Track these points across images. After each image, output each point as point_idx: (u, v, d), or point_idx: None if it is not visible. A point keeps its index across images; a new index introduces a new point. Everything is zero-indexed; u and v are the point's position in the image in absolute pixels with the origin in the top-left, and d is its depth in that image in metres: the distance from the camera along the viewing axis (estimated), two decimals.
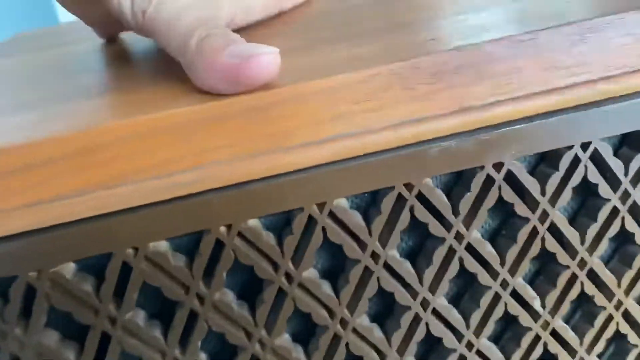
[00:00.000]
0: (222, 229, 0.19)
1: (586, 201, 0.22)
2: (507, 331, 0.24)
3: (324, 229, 0.20)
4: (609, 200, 0.22)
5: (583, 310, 0.25)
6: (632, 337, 0.25)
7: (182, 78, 0.19)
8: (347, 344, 0.22)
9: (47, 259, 0.18)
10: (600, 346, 0.25)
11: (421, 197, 0.20)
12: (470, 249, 0.21)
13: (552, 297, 0.23)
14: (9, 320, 0.19)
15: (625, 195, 0.22)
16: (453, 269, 0.21)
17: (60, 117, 0.19)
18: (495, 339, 0.24)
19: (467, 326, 0.23)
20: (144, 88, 0.20)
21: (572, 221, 0.22)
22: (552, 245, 0.22)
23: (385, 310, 0.23)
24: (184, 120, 0.17)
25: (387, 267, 0.21)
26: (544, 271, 0.23)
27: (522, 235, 0.21)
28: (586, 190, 0.22)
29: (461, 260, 0.21)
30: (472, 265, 0.21)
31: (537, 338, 0.24)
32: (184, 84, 0.19)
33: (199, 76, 0.18)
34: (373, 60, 0.18)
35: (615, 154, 0.21)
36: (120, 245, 0.18)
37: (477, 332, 0.23)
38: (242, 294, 0.21)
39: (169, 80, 0.21)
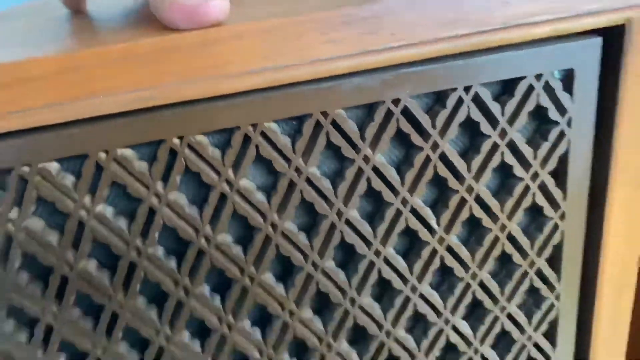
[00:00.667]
0: (175, 140, 0.24)
1: (473, 138, 0.28)
2: (411, 246, 0.30)
3: (257, 146, 0.25)
4: (489, 136, 0.27)
5: (474, 232, 0.30)
6: (516, 257, 0.31)
7: (148, 24, 0.25)
8: (277, 246, 0.27)
9: (36, 155, 0.23)
10: (490, 264, 0.30)
11: (336, 125, 0.25)
12: (376, 171, 0.27)
13: (446, 217, 0.29)
14: (4, 207, 0.24)
15: (503, 132, 0.27)
16: (362, 186, 0.27)
17: (42, 47, 0.24)
18: (402, 252, 0.30)
19: (375, 236, 0.28)
20: (115, 34, 0.26)
21: (464, 155, 0.28)
22: (443, 171, 0.27)
23: (309, 220, 0.28)
24: (144, 50, 0.22)
25: (309, 181, 0.26)
26: (440, 195, 0.29)
27: (418, 161, 0.27)
28: (472, 128, 0.27)
29: (369, 179, 0.27)
30: (377, 184, 0.27)
31: (435, 252, 0.29)
32: (148, 27, 0.24)
33: (163, 15, 0.23)
34: (297, 12, 0.24)
35: (497, 99, 0.27)
36: (94, 148, 0.24)
37: (383, 242, 0.28)
38: (192, 199, 0.27)
39: (136, 27, 0.26)
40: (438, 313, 0.31)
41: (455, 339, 0.32)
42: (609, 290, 0.32)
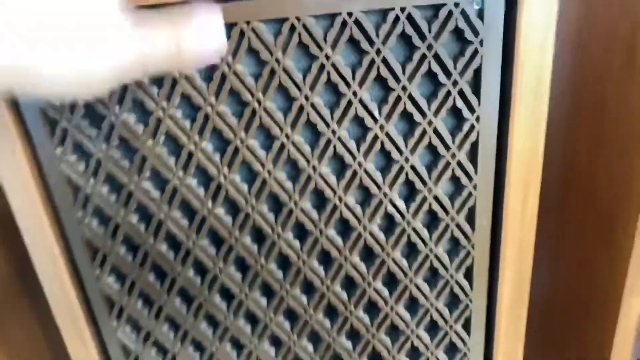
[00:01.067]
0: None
1: (407, 49, 0.38)
2: (359, 130, 0.40)
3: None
4: (419, 48, 0.37)
5: (408, 124, 0.40)
6: (441, 149, 0.41)
7: None
8: (260, 117, 0.38)
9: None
10: (419, 151, 0.40)
11: (306, 28, 0.36)
12: (335, 67, 0.37)
13: (385, 109, 0.39)
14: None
15: (430, 46, 0.37)
16: (323, 78, 0.37)
17: None
18: (352, 135, 0.40)
19: (332, 119, 0.38)
20: None
21: (401, 62, 0.38)
22: (385, 72, 0.37)
23: (286, 103, 0.39)
24: None
25: (285, 71, 0.37)
26: (382, 93, 0.39)
27: (365, 62, 0.37)
28: (407, 41, 0.37)
29: (329, 73, 0.37)
30: (335, 78, 0.37)
31: (376, 137, 0.39)
32: None
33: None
34: None
35: (427, 20, 0.36)
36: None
37: (339, 124, 0.39)
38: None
39: None
40: (379, 188, 0.41)
41: (391, 210, 0.42)
42: (516, 179, 0.41)
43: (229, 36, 0.36)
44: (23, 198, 0.40)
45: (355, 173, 0.41)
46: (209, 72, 0.37)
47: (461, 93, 0.39)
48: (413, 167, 0.41)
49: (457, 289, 0.46)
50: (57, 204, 0.41)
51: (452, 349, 0.50)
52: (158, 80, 0.37)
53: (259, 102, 0.38)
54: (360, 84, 0.38)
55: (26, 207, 0.40)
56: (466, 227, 0.44)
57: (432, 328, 0.49)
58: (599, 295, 0.55)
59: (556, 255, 0.63)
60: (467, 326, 0.48)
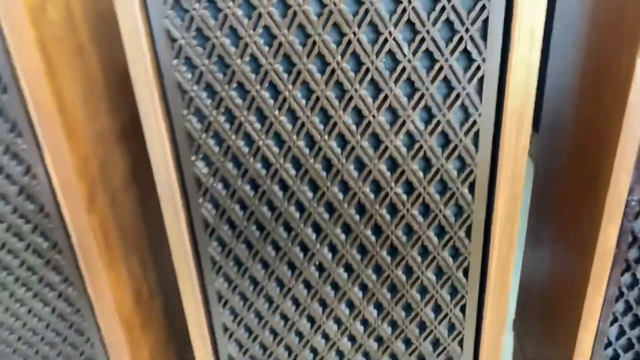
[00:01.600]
0: None
1: (434, 3, 0.50)
2: (392, 65, 0.53)
3: None
4: (440, 0, 0.49)
5: (430, 62, 0.52)
6: (454, 82, 0.53)
7: None
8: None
9: None
10: (436, 83, 0.53)
11: None
12: (377, 13, 0.50)
13: (412, 47, 0.51)
14: None
15: (449, 0, 0.49)
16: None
17: None
18: (388, 68, 0.53)
19: (372, 51, 0.52)
20: None
21: (429, 13, 0.50)
22: (414, 19, 0.50)
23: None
24: None
25: None
26: (411, 35, 0.51)
27: (398, 10, 0.49)
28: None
29: (372, 16, 0.50)
30: (376, 20, 0.50)
31: (404, 69, 0.52)
32: None
33: None
34: None
35: None
36: None
37: (377, 56, 0.52)
38: None
39: None
40: (404, 110, 0.54)
41: (412, 129, 0.55)
42: (512, 110, 0.53)
43: None
44: (147, 99, 0.56)
45: (386, 96, 0.54)
46: (284, 10, 0.51)
47: (472, 38, 0.51)
48: (432, 95, 0.53)
49: (461, 201, 0.59)
50: (170, 104, 0.57)
51: (456, 253, 0.62)
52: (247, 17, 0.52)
53: (319, 35, 0.51)
54: (395, 26, 0.50)
55: (148, 106, 0.56)
56: (471, 149, 0.56)
57: (440, 232, 0.61)
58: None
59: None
60: (468, 232, 0.61)
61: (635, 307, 0.67)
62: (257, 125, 0.57)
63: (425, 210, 0.60)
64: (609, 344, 0.70)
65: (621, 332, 0.69)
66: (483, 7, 0.49)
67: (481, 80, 0.52)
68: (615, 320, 0.68)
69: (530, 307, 0.97)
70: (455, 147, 0.56)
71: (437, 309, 0.66)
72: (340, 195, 0.60)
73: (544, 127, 0.90)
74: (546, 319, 0.86)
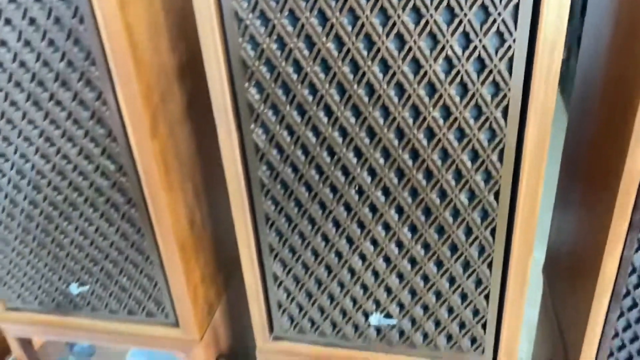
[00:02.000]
0: None
1: None
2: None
3: None
4: None
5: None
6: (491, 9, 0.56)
7: None
8: None
9: None
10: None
11: None
12: None
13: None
14: None
15: None
16: None
17: None
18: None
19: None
20: None
21: None
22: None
23: None
24: None
25: None
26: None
27: None
28: None
29: None
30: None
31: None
32: None
33: None
34: None
35: None
36: None
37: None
38: None
39: None
40: (443, 36, 0.58)
41: (451, 54, 0.59)
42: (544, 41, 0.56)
43: None
44: (208, 30, 0.62)
45: (427, 22, 0.58)
46: None
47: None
48: (469, 21, 0.57)
49: (494, 125, 0.63)
50: (227, 31, 0.63)
51: (488, 177, 0.67)
52: None
53: None
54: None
55: (208, 36, 0.62)
56: (505, 74, 0.60)
57: (474, 157, 0.66)
58: None
59: None
60: (501, 156, 0.65)
61: None
62: (306, 52, 0.62)
63: (461, 134, 0.64)
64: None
65: None
66: None
67: (516, 6, 0.56)
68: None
69: (558, 261, 1.00)
70: (490, 72, 0.60)
71: (469, 232, 0.71)
72: (381, 120, 0.65)
73: (577, 89, 0.92)
74: (571, 276, 0.89)
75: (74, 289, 0.92)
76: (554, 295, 1.01)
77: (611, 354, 0.79)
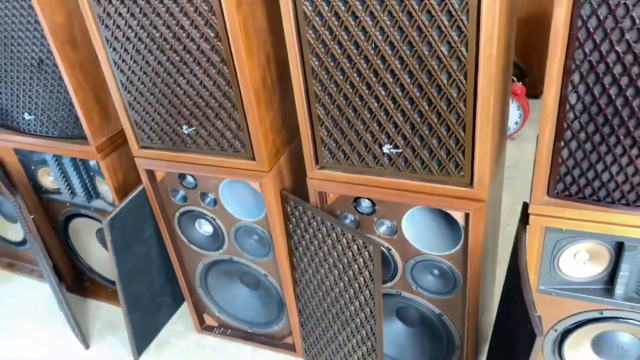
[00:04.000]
0: None
1: None
2: None
3: None
4: None
5: None
6: None
7: None
8: None
9: None
10: None
11: None
12: None
13: None
14: None
15: None
16: None
17: None
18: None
19: None
20: None
21: None
22: None
23: None
24: None
25: None
26: None
27: None
28: None
29: None
30: None
31: None
32: None
33: None
34: None
35: None
36: None
37: None
38: None
39: None
40: None
41: None
42: None
43: None
44: None
45: None
46: None
47: None
48: None
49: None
50: None
51: (459, 32, 0.95)
52: None
53: None
54: None
55: None
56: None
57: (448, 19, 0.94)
58: None
59: None
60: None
61: None
62: None
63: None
64: None
65: None
66: None
67: None
68: None
69: None
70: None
71: (449, 76, 1.00)
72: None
73: None
74: None
75: (185, 129, 1.34)
76: None
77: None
